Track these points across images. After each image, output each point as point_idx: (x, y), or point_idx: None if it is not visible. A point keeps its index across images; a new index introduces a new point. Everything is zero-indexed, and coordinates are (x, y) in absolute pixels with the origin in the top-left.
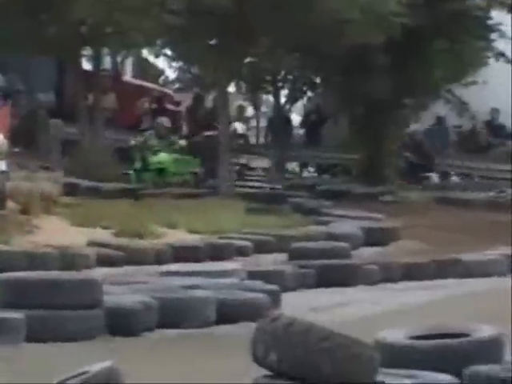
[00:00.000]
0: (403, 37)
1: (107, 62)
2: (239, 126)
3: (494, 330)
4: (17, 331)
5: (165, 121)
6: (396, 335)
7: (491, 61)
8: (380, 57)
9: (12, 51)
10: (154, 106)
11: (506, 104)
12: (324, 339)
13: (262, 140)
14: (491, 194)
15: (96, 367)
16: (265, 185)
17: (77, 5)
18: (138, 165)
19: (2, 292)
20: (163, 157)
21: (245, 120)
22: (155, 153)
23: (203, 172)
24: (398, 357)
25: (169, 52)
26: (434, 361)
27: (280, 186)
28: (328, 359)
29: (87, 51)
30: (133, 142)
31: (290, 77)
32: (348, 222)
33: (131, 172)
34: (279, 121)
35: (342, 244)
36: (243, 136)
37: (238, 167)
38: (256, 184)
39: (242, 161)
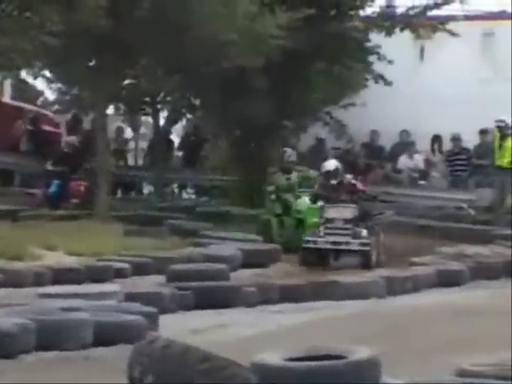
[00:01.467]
0: (282, 59)
1: None
2: None
3: (371, 352)
4: None
5: (289, 152)
6: (272, 357)
7: (370, 83)
8: (259, 79)
9: None
10: (30, 127)
11: (385, 126)
12: (201, 361)
13: (140, 162)
14: None
15: None
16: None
17: None
18: (278, 210)
19: None
20: (302, 204)
21: (123, 142)
22: (298, 197)
23: None
24: (274, 378)
25: (48, 73)
26: (310, 383)
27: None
28: (205, 381)
29: None
30: (270, 188)
31: (170, 98)
32: (227, 244)
33: (271, 217)
34: (159, 142)
35: (221, 266)
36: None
37: None
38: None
39: None
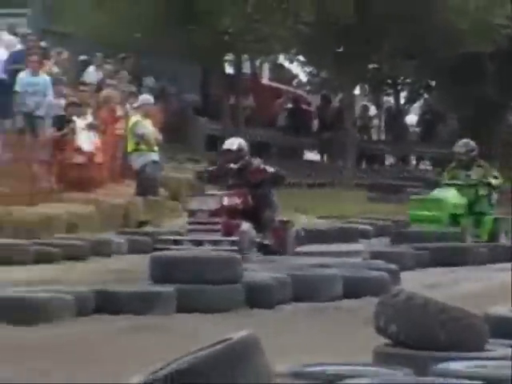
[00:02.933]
0: (509, 46)
1: (247, 67)
2: None
3: None
4: (169, 303)
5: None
6: (503, 309)
7: None
8: (488, 64)
9: (164, 58)
10: (290, 105)
11: None
12: (440, 312)
13: (382, 136)
14: None
15: (238, 335)
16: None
17: (222, 16)
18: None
19: (156, 268)
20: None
21: (368, 119)
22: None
23: None
24: (506, 329)
25: (301, 58)
26: None
27: None
28: (443, 330)
29: (229, 57)
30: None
31: (408, 80)
32: None
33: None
34: (395, 120)
35: (456, 228)
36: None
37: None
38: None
39: None
